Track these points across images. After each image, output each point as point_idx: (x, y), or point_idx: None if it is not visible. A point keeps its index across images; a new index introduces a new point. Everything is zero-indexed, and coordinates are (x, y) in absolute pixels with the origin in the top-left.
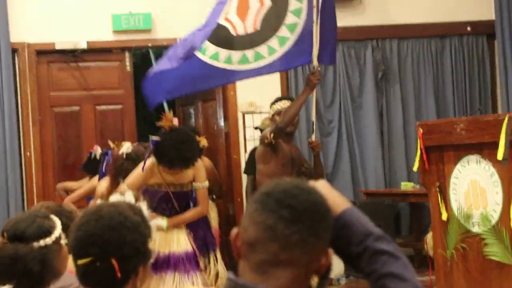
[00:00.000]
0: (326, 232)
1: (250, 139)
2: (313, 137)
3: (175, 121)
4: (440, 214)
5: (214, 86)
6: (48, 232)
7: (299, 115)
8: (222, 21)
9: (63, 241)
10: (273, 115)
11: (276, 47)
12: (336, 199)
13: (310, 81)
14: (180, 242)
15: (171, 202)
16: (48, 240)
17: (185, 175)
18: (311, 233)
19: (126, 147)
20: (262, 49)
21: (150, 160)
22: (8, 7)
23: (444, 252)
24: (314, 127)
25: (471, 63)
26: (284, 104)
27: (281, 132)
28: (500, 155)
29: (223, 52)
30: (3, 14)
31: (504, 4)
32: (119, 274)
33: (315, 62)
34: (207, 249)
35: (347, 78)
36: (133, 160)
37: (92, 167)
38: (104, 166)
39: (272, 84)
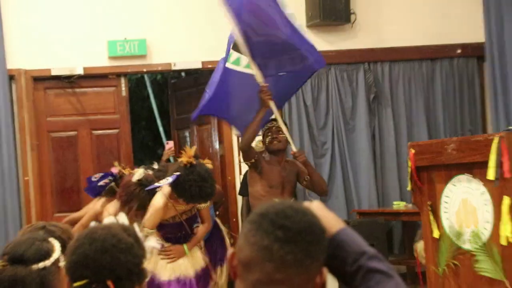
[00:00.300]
0: (321, 253)
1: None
2: (293, 148)
3: (171, 144)
4: (432, 232)
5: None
6: (47, 254)
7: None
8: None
9: (62, 263)
10: (262, 135)
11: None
12: (331, 220)
13: (262, 99)
14: (198, 260)
15: (185, 228)
16: (47, 262)
17: None
18: (306, 254)
19: (139, 173)
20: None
21: (162, 198)
22: (4, 34)
23: (436, 269)
24: (289, 140)
25: (461, 85)
26: (271, 124)
27: (244, 153)
28: (491, 175)
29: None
30: (0, 43)
31: (493, 27)
32: None
33: (258, 79)
34: (216, 263)
35: (339, 100)
36: (144, 186)
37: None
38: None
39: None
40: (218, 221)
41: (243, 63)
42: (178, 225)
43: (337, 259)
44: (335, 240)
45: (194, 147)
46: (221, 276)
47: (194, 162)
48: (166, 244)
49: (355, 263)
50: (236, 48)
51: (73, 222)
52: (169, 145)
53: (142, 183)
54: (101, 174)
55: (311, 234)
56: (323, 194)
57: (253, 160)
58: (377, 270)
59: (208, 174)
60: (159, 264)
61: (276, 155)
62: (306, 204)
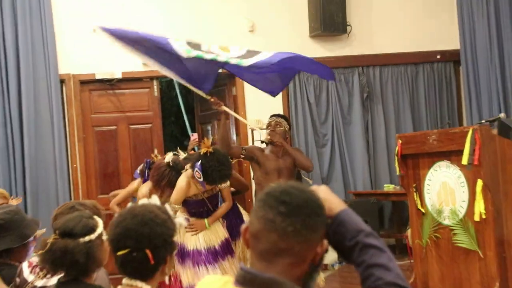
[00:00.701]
0: (319, 226)
1: None
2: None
3: (196, 136)
4: (417, 210)
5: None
6: (92, 229)
7: (293, 130)
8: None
9: (104, 237)
10: (266, 129)
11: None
12: (335, 201)
13: (217, 109)
14: (219, 234)
15: (206, 205)
16: (92, 236)
17: None
18: (304, 226)
19: (169, 157)
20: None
21: (186, 178)
22: (57, 45)
23: (420, 241)
24: (256, 128)
25: (440, 86)
26: (272, 119)
27: (230, 155)
28: (464, 160)
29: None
30: (53, 51)
31: (467, 36)
32: (152, 262)
33: (203, 94)
34: (235, 236)
35: (338, 99)
36: (173, 168)
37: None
38: (146, 173)
39: (275, 105)
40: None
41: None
42: (201, 202)
43: (338, 235)
44: (337, 219)
45: (211, 139)
46: (237, 248)
47: (212, 150)
48: (191, 219)
49: (353, 239)
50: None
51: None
52: (194, 136)
53: (171, 165)
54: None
55: (309, 208)
56: (307, 170)
57: (242, 156)
58: (372, 246)
59: (225, 159)
60: (185, 236)
61: (274, 146)
62: (314, 187)
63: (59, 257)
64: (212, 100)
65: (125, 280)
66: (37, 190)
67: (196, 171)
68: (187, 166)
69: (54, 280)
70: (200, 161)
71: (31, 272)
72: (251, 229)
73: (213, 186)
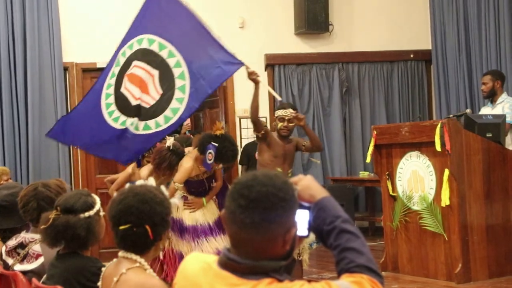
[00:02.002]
0: (281, 217)
1: (244, 137)
2: (291, 110)
3: (188, 121)
4: (389, 195)
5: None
6: (91, 206)
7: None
8: (122, 89)
9: (102, 213)
10: (276, 119)
11: (177, 106)
12: (317, 189)
13: (253, 80)
14: (214, 212)
15: (205, 185)
16: (91, 212)
17: None
18: (263, 218)
19: (170, 141)
20: (160, 119)
21: (190, 160)
22: (62, 35)
23: (391, 224)
24: (275, 95)
25: (413, 82)
26: (285, 113)
27: (254, 124)
28: (438, 147)
29: (123, 118)
30: (58, 41)
31: (438, 37)
32: (152, 237)
33: (246, 65)
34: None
35: (319, 92)
36: (173, 152)
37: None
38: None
39: (261, 97)
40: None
41: (128, 124)
42: (201, 182)
43: (318, 219)
44: (318, 205)
45: (222, 122)
46: None
47: (223, 133)
48: (190, 197)
49: (331, 223)
50: (120, 107)
51: (113, 181)
52: (186, 121)
53: (171, 149)
54: None
55: (268, 201)
56: (320, 149)
57: (262, 132)
58: (347, 231)
59: (233, 140)
60: (184, 213)
61: (280, 136)
62: (299, 176)
63: (61, 231)
64: (250, 70)
65: (121, 253)
66: (40, 169)
67: (209, 153)
68: (189, 149)
69: (30, 265)
70: (213, 143)
71: (7, 255)
72: (224, 216)
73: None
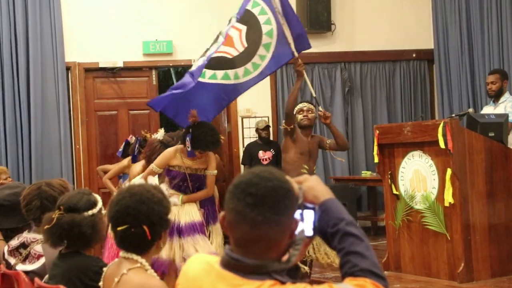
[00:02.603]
0: (289, 208)
1: (247, 137)
2: (321, 108)
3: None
4: (391, 195)
5: (220, 104)
6: (94, 204)
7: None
8: (214, 55)
9: (103, 212)
10: (296, 113)
11: (258, 62)
12: (322, 190)
13: (298, 71)
14: (192, 214)
15: (187, 182)
16: (95, 210)
17: (200, 162)
18: (274, 212)
19: (160, 134)
20: (249, 66)
21: (174, 148)
22: (64, 35)
23: (394, 223)
24: (318, 100)
25: (415, 81)
26: (303, 105)
27: (288, 116)
28: (441, 145)
29: (219, 72)
30: (60, 41)
31: (440, 37)
32: (149, 237)
33: (295, 54)
34: (208, 222)
35: (321, 91)
36: (164, 144)
37: (126, 152)
38: (136, 149)
39: (263, 96)
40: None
41: (218, 76)
42: (181, 175)
43: (322, 221)
44: (322, 207)
45: (195, 110)
46: (217, 235)
47: (199, 120)
48: (170, 191)
49: (335, 226)
50: (210, 66)
51: (105, 171)
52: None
53: (162, 141)
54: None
55: (276, 195)
56: (346, 148)
57: (292, 126)
58: (351, 234)
59: (212, 126)
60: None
61: (305, 130)
62: (304, 176)
63: (66, 230)
64: (298, 61)
65: (122, 253)
66: (42, 169)
67: (187, 140)
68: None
69: (32, 266)
70: (190, 130)
71: (9, 255)
72: (227, 219)
73: (196, 164)
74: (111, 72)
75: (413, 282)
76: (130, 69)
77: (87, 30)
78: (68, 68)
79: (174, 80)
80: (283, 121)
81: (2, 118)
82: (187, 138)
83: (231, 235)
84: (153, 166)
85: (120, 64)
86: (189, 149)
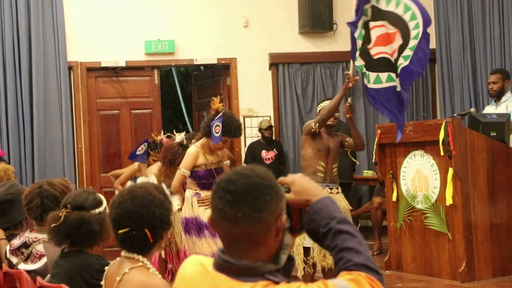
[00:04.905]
0: (270, 205)
1: (248, 136)
2: (350, 100)
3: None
4: (392, 194)
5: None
6: (100, 202)
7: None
8: (376, 56)
9: (107, 210)
10: (319, 111)
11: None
12: (313, 191)
13: (347, 83)
14: None
15: (214, 177)
16: (101, 209)
17: (219, 155)
18: (254, 209)
19: (180, 137)
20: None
21: (195, 147)
22: (67, 35)
23: (395, 223)
24: (351, 69)
25: (417, 81)
26: (325, 103)
27: (323, 122)
28: (441, 151)
29: (383, 75)
30: (63, 40)
31: (442, 36)
32: (151, 240)
33: (350, 70)
34: None
35: (323, 91)
36: (184, 147)
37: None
38: (138, 150)
39: (265, 95)
40: None
41: (383, 79)
42: (209, 172)
43: (314, 222)
44: (313, 207)
45: (218, 98)
46: None
47: (222, 108)
48: (203, 193)
49: (326, 226)
50: (368, 68)
51: (116, 176)
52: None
53: (181, 144)
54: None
55: (255, 191)
56: (362, 149)
57: (319, 130)
58: (343, 231)
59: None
60: (200, 209)
61: (328, 128)
62: (293, 176)
63: (75, 227)
64: (349, 73)
65: (123, 253)
66: (44, 168)
67: (216, 125)
68: (194, 140)
69: (34, 265)
70: (218, 115)
71: (11, 254)
72: (212, 218)
73: (216, 158)
74: (113, 71)
75: (415, 282)
76: (132, 69)
77: (89, 30)
78: (70, 68)
79: (176, 79)
80: (314, 122)
81: (4, 117)
82: (217, 123)
83: (217, 234)
84: (182, 170)
85: (122, 64)
86: (217, 135)
